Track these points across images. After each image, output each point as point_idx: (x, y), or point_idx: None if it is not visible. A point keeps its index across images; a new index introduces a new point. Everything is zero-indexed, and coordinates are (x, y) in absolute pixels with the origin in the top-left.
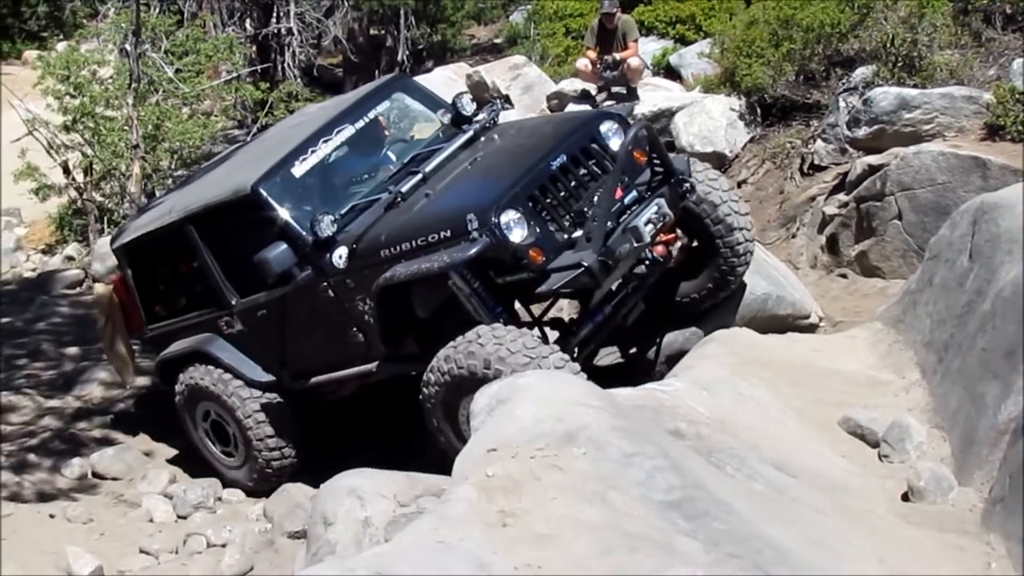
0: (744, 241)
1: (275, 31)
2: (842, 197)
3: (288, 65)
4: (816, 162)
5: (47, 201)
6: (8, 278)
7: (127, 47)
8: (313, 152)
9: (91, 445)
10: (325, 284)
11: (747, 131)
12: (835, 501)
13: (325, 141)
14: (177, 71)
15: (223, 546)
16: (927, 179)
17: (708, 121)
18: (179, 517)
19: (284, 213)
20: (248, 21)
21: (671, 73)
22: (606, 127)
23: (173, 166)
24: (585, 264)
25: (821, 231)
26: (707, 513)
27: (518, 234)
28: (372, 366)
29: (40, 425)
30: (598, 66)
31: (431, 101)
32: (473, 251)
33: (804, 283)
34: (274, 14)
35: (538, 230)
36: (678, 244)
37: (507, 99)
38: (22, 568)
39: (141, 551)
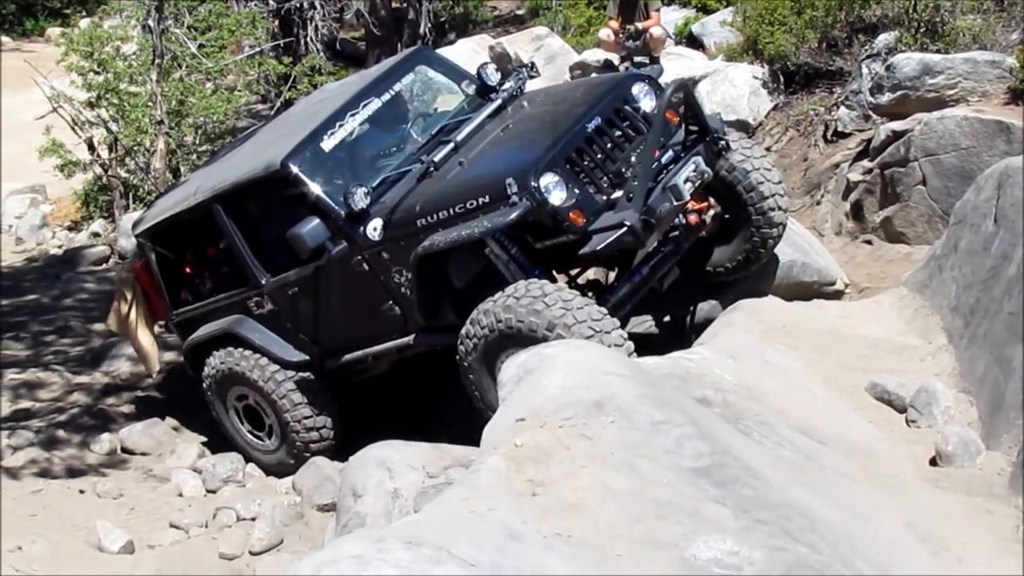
0: (777, 209)
1: (297, 5)
2: (866, 163)
3: (311, 39)
4: (840, 129)
5: (72, 178)
6: (35, 255)
7: (150, 23)
8: (341, 126)
9: (120, 420)
10: (360, 258)
11: (770, 99)
12: (863, 466)
13: (352, 115)
14: (200, 46)
15: (253, 520)
16: (951, 144)
17: (731, 89)
18: (208, 491)
19: (316, 187)
20: None
21: (693, 42)
22: (637, 89)
23: (197, 141)
24: (628, 223)
25: (846, 198)
26: (736, 480)
27: (558, 196)
28: (409, 339)
29: (69, 401)
30: (620, 36)
31: (455, 73)
32: (515, 215)
33: (829, 250)
34: None
35: (577, 192)
36: (711, 212)
37: (533, 66)
38: (53, 543)
39: (171, 525)
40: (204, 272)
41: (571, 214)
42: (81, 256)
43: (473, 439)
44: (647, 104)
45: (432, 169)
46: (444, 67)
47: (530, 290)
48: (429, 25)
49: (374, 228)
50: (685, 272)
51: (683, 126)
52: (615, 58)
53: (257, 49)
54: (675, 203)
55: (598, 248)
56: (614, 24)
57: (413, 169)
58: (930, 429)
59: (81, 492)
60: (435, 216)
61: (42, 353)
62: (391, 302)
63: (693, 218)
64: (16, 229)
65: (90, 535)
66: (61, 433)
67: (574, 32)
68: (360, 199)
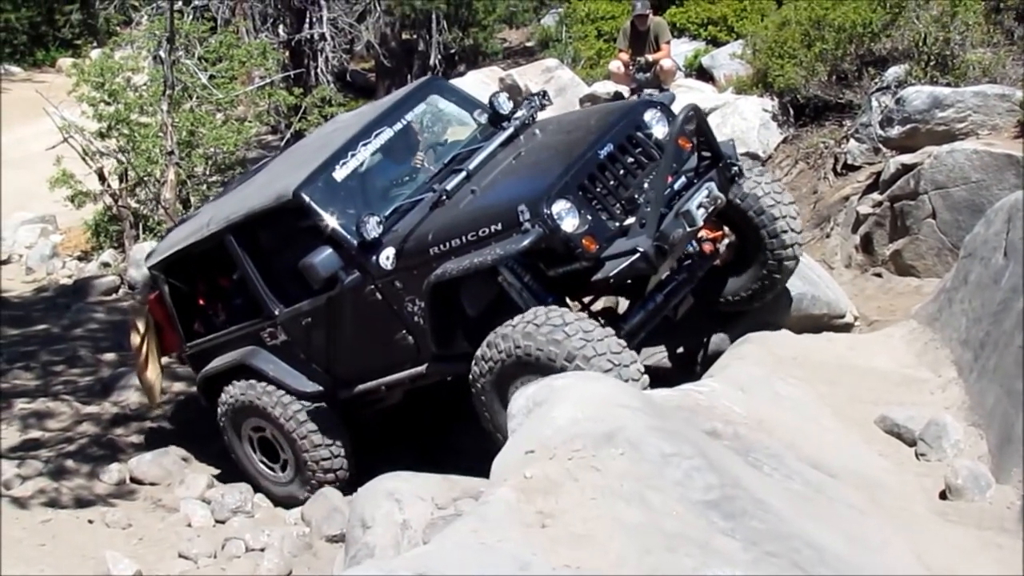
0: (791, 231)
1: (308, 36)
2: (876, 196)
3: (321, 70)
4: (849, 162)
5: (83, 208)
6: (45, 285)
7: (161, 54)
8: (353, 156)
9: (129, 450)
10: (372, 287)
11: (780, 131)
12: (873, 499)
13: (364, 144)
14: (211, 77)
15: (261, 550)
16: (961, 177)
17: (741, 122)
18: (217, 521)
19: (328, 217)
20: (281, 27)
21: (703, 74)
22: (649, 115)
23: (208, 172)
24: (641, 249)
25: (855, 230)
26: (745, 512)
27: (570, 223)
28: (422, 368)
29: (78, 431)
30: (631, 68)
31: (467, 102)
32: (526, 242)
33: (839, 282)
34: (307, 19)
35: (590, 218)
36: (725, 241)
37: (545, 94)
38: (62, 573)
39: (180, 556)
40: (217, 304)
41: (584, 240)
42: (91, 286)
43: (485, 468)
44: (659, 131)
45: (444, 198)
46: (456, 96)
47: (550, 318)
48: (439, 56)
49: (386, 257)
50: (699, 302)
51: (696, 152)
52: (625, 90)
53: (268, 80)
54: (688, 229)
55: (611, 274)
56: (624, 56)
57: (425, 198)
58: (940, 462)
59: (90, 522)
60: (447, 244)
61: (51, 383)
62: (404, 332)
63: (708, 247)
64: (26, 259)
65: (99, 565)
66: (70, 463)
67: (584, 64)
68: (373, 228)
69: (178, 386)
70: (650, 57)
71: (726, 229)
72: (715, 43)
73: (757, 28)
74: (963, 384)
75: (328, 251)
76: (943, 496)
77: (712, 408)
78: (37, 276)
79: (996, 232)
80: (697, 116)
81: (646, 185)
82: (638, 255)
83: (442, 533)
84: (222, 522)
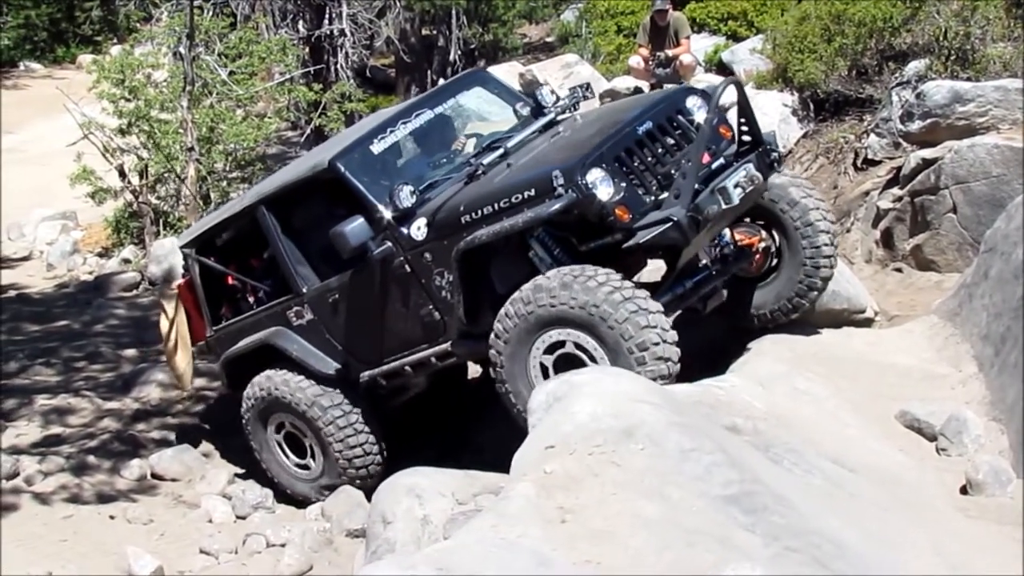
0: (829, 233)
1: (328, 32)
2: (896, 191)
3: (341, 66)
4: (870, 156)
5: (103, 204)
6: (65, 281)
7: (181, 50)
8: (392, 132)
9: (150, 446)
10: (402, 259)
11: (800, 126)
12: (893, 495)
13: (404, 123)
14: (231, 73)
15: (282, 546)
16: (981, 172)
17: (761, 117)
18: (238, 517)
19: (361, 186)
20: (301, 23)
21: (723, 69)
22: (691, 101)
23: (228, 168)
24: (674, 218)
25: (876, 225)
26: (765, 507)
27: (605, 191)
28: (447, 346)
29: (99, 427)
30: (650, 63)
31: (510, 95)
32: (559, 205)
33: (859, 277)
34: (326, 15)
35: (624, 189)
36: (761, 245)
37: (588, 86)
38: (83, 569)
39: (201, 551)
40: (245, 285)
41: (617, 210)
42: (111, 282)
43: (505, 464)
44: (700, 116)
45: (480, 172)
46: (500, 89)
47: (590, 274)
48: (459, 52)
49: (418, 228)
50: (731, 316)
51: (736, 141)
52: (645, 85)
53: (287, 76)
54: (723, 206)
55: (642, 241)
56: (644, 52)
57: (460, 174)
58: (960, 457)
59: (111, 518)
60: (479, 212)
61: (73, 379)
62: (431, 307)
63: (744, 239)
64: (47, 255)
65: (120, 561)
66: (91, 459)
67: (604, 59)
68: (406, 198)
69: (199, 382)
70: (670, 52)
71: (763, 234)
72: (735, 38)
73: (777, 23)
74: (984, 379)
75: (359, 220)
76: (963, 491)
77: (732, 404)
78: (58, 272)
79: (1017, 227)
80: (739, 91)
81: (683, 162)
82: (671, 223)
83: (462, 529)
84: (243, 518)
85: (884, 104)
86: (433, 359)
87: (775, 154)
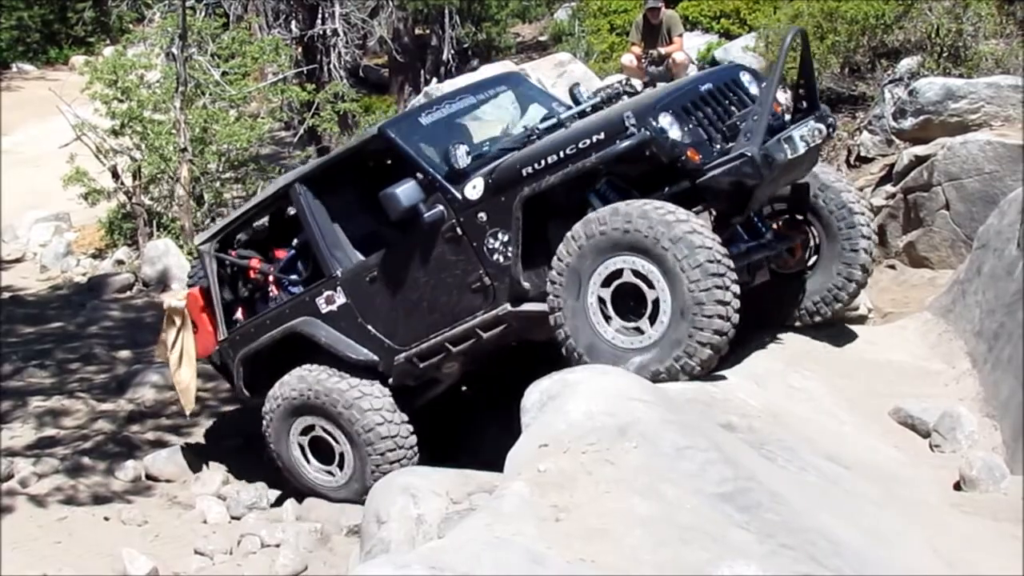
0: (869, 225)
1: (320, 32)
2: (889, 188)
3: (334, 66)
4: (863, 154)
5: (96, 205)
6: (59, 283)
7: (174, 51)
8: (438, 109)
9: (144, 447)
10: (453, 222)
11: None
12: (888, 491)
13: (449, 104)
14: (224, 74)
15: (277, 546)
16: (974, 169)
17: None
18: (233, 518)
19: (411, 149)
20: (293, 23)
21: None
22: (745, 77)
23: (221, 168)
24: (748, 153)
25: None
26: (760, 504)
27: (676, 132)
28: (498, 311)
29: (94, 428)
30: (643, 61)
31: (546, 96)
32: (632, 142)
33: None
34: (319, 15)
35: (693, 133)
36: (801, 238)
37: (628, 81)
38: (78, 571)
39: (196, 552)
40: (267, 277)
41: (688, 151)
42: (105, 284)
43: (500, 464)
44: (754, 90)
45: (535, 137)
46: (535, 90)
47: (668, 207)
48: (452, 51)
49: (473, 187)
50: (770, 314)
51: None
52: (638, 84)
53: (280, 76)
54: (790, 155)
55: (716, 174)
56: (637, 50)
57: (514, 140)
58: (954, 454)
59: (106, 519)
60: (542, 162)
61: (67, 381)
62: (480, 271)
63: (781, 228)
64: (41, 257)
65: (115, 562)
66: (86, 460)
67: (597, 58)
68: (462, 157)
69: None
70: (663, 50)
71: (803, 224)
72: (728, 36)
73: (769, 21)
74: (977, 375)
75: (411, 182)
76: (958, 487)
77: (727, 401)
78: (52, 274)
79: (1010, 223)
80: (803, 38)
81: (752, 111)
82: (745, 159)
83: (457, 527)
84: (238, 518)
85: (877, 101)
86: (479, 330)
87: (831, 119)
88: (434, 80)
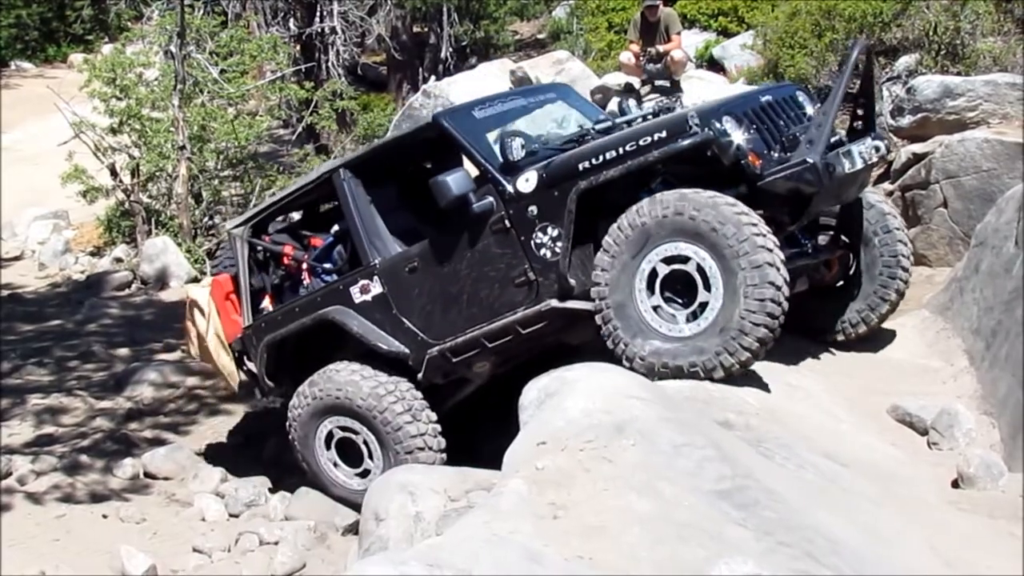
0: (905, 243)
1: (319, 30)
2: (887, 186)
3: (332, 64)
4: None
5: (95, 203)
6: (58, 280)
7: (172, 49)
8: (491, 106)
9: (142, 445)
10: (502, 214)
11: None
12: (885, 489)
13: (502, 102)
14: (222, 72)
15: (275, 544)
16: (972, 166)
17: None
18: (231, 516)
19: (465, 139)
20: (292, 21)
21: (714, 65)
22: (802, 96)
23: (219, 166)
24: (810, 160)
25: None
26: (757, 502)
27: (739, 136)
28: (541, 307)
29: (92, 426)
30: (641, 59)
31: (592, 108)
32: (693, 140)
33: None
34: (317, 13)
35: (754, 139)
36: (838, 254)
37: (679, 98)
38: (76, 568)
39: (194, 550)
40: (302, 265)
41: (750, 155)
42: (104, 281)
43: (498, 462)
44: (809, 109)
45: (590, 136)
46: (582, 103)
47: (739, 204)
48: (450, 49)
49: (526, 179)
50: (810, 330)
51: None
52: (636, 81)
53: (279, 74)
54: (848, 169)
55: (777, 179)
56: (635, 47)
57: (568, 138)
58: (952, 451)
59: (104, 517)
60: (600, 158)
61: (65, 378)
62: (525, 266)
63: (822, 239)
64: (39, 255)
65: (113, 560)
66: (84, 458)
67: (595, 56)
68: (517, 149)
69: (191, 380)
70: (661, 48)
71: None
72: (725, 34)
73: (767, 19)
74: (975, 373)
75: (462, 170)
76: (955, 485)
77: (724, 399)
78: (50, 272)
79: (1007, 221)
80: (869, 54)
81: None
82: (807, 165)
83: (455, 525)
84: (236, 516)
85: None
86: (518, 326)
87: (886, 142)
88: (432, 78)
